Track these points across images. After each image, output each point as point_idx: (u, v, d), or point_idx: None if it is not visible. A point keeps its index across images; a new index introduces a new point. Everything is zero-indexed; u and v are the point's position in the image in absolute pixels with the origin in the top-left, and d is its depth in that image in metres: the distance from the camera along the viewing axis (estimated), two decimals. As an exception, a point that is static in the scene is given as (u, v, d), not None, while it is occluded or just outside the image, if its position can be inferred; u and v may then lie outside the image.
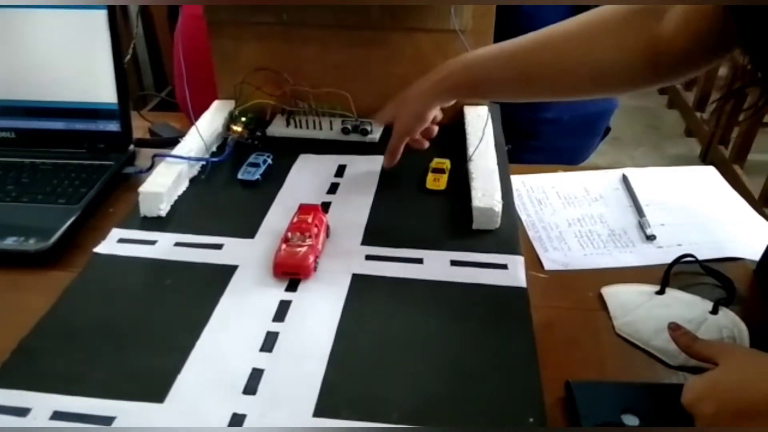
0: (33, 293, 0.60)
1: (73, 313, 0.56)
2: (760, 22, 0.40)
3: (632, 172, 0.83)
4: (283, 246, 0.61)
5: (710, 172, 0.85)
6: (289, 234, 0.62)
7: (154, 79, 2.33)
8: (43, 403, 0.47)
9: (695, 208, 0.76)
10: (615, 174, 0.83)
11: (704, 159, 2.40)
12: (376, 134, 0.84)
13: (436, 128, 0.76)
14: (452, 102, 0.73)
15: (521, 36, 0.63)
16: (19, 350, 0.52)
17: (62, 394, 0.48)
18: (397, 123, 0.72)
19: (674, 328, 0.52)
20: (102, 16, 0.78)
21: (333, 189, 0.74)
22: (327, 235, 0.65)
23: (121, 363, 0.51)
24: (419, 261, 0.62)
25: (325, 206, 0.70)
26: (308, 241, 0.61)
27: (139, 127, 0.89)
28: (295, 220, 0.64)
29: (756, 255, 0.66)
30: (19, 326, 0.54)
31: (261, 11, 0.81)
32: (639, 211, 0.75)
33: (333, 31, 0.82)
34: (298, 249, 0.60)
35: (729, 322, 0.58)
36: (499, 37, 0.81)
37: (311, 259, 0.60)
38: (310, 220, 0.63)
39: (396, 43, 0.82)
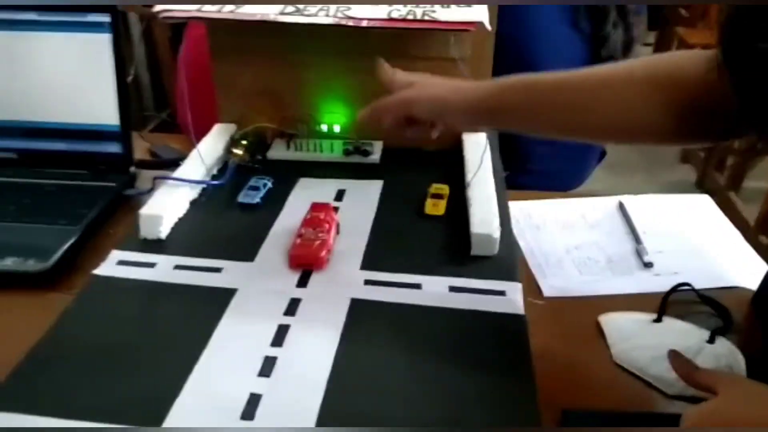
0: (31, 314, 0.60)
1: (70, 335, 0.56)
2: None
3: (629, 200, 0.84)
4: (298, 240, 0.65)
5: (705, 200, 0.85)
6: (303, 230, 0.66)
7: (155, 99, 2.35)
8: (38, 427, 0.47)
9: (691, 236, 0.77)
10: (612, 201, 0.84)
11: (700, 185, 2.41)
12: (376, 155, 0.85)
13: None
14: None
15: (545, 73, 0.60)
16: (15, 373, 0.52)
17: (59, 417, 0.47)
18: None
19: (674, 356, 0.52)
20: (106, 39, 0.79)
21: (332, 213, 0.75)
22: (337, 231, 0.69)
23: (119, 387, 0.51)
24: (418, 286, 0.62)
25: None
26: (321, 236, 0.65)
27: (139, 147, 0.90)
28: (308, 216, 0.68)
29: (752, 284, 0.67)
30: (16, 348, 0.54)
31: (263, 37, 0.82)
32: (636, 238, 0.76)
33: (333, 58, 0.83)
34: (312, 242, 0.65)
35: (726, 352, 0.58)
36: (496, 66, 0.83)
37: (324, 251, 0.64)
38: (322, 216, 0.68)
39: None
